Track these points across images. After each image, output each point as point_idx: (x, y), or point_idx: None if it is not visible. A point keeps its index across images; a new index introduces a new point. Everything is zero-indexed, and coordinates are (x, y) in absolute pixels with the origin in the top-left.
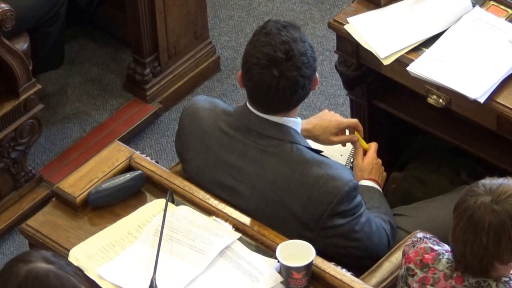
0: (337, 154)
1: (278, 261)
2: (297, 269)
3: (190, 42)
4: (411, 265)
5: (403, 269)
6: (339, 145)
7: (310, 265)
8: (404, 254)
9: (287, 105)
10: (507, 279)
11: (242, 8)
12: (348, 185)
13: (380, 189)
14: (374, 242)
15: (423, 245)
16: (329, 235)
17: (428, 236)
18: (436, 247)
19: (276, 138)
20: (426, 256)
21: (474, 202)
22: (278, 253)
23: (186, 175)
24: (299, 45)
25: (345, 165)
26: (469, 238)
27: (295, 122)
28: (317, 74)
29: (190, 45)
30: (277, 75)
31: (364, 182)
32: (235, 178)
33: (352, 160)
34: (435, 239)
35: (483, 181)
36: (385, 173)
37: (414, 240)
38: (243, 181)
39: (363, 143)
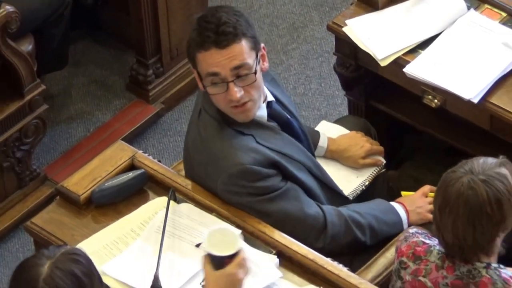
0: (353, 176)
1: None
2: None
3: None
4: (404, 258)
5: (395, 264)
6: (354, 168)
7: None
8: (396, 249)
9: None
10: (496, 265)
11: (243, 11)
12: (236, 168)
13: (402, 216)
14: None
15: (415, 239)
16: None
17: (420, 231)
18: (427, 241)
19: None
20: (418, 248)
21: (462, 185)
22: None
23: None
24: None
25: (360, 186)
26: (475, 221)
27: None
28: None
29: None
30: None
31: (394, 204)
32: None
33: (367, 183)
34: (427, 234)
35: (455, 167)
36: (430, 207)
37: (407, 235)
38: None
39: (405, 193)
